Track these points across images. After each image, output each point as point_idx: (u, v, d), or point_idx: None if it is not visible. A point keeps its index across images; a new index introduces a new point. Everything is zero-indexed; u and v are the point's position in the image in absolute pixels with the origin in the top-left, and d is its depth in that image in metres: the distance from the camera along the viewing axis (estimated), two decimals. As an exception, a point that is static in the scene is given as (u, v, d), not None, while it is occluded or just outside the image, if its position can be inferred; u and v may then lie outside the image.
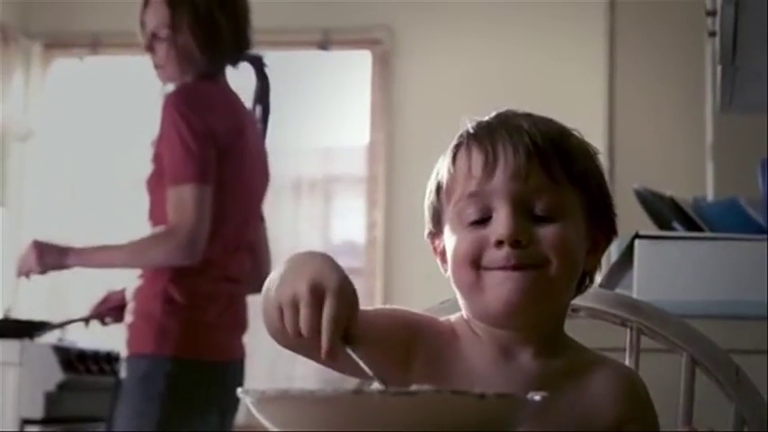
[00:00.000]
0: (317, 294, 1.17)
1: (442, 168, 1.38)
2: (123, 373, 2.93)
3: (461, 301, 1.37)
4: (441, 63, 5.56)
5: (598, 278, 1.46)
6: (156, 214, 2.96)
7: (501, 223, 1.30)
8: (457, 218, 1.34)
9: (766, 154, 2.55)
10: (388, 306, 1.40)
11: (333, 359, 1.17)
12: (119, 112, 5.76)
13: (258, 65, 3.19)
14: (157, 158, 2.97)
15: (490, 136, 1.34)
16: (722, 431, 1.53)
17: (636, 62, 5.31)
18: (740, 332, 2.07)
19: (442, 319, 1.41)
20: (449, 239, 1.35)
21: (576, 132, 1.39)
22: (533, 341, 1.35)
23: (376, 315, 1.34)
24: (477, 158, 1.33)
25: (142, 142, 5.82)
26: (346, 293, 1.18)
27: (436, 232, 1.39)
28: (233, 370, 3.04)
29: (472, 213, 1.32)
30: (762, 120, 3.04)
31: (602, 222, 1.38)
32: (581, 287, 1.40)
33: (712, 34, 2.57)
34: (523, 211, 1.31)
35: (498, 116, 1.38)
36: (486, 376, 1.32)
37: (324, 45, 5.66)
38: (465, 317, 1.37)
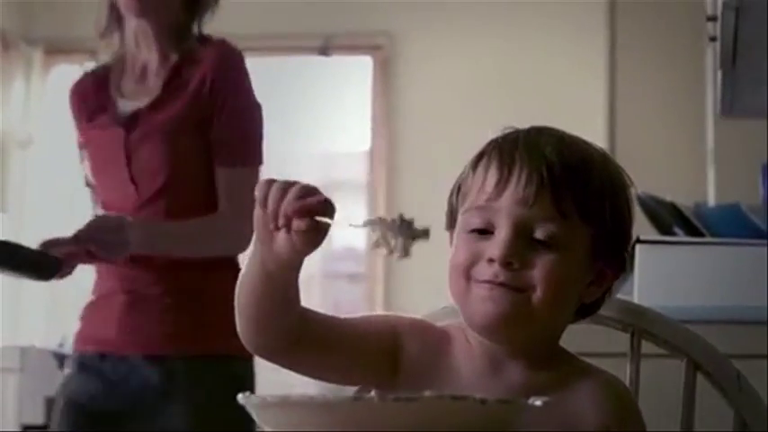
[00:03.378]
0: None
1: (466, 171, 1.40)
2: (184, 376, 2.60)
3: (459, 309, 1.38)
4: (441, 68, 5.57)
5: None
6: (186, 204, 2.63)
7: (498, 244, 1.32)
8: (463, 224, 1.37)
9: (767, 159, 2.55)
10: (374, 313, 1.42)
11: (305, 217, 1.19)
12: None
13: None
14: (200, 132, 2.63)
15: (510, 154, 1.35)
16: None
17: (637, 67, 5.31)
18: (741, 337, 2.06)
19: (441, 324, 1.42)
20: (454, 242, 1.38)
21: (608, 162, 1.39)
22: (523, 355, 1.37)
23: (360, 322, 1.37)
24: (492, 175, 1.35)
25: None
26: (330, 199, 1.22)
27: (452, 227, 1.41)
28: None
29: (476, 223, 1.35)
30: (763, 124, 3.04)
31: (611, 257, 1.39)
32: (586, 313, 1.41)
33: (713, 39, 2.57)
34: (523, 235, 1.33)
35: (529, 132, 1.38)
36: (473, 386, 1.34)
37: (324, 51, 5.66)
38: (464, 325, 1.39)
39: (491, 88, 5.35)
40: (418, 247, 1.40)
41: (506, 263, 1.31)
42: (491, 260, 1.32)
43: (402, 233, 1.19)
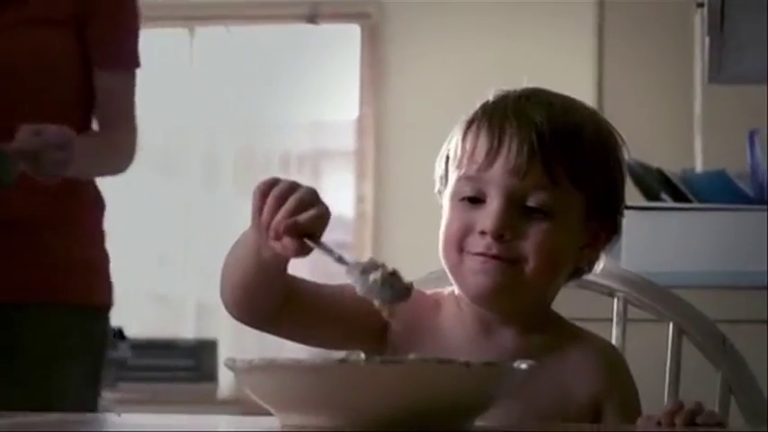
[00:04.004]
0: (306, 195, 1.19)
1: (454, 138, 1.39)
2: (38, 325, 2.25)
3: (451, 278, 1.38)
4: (430, 36, 5.55)
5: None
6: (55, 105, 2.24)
7: (489, 215, 1.32)
8: (454, 193, 1.36)
9: (754, 125, 2.55)
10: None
11: (295, 249, 1.18)
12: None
13: None
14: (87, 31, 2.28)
15: (500, 122, 1.34)
16: (709, 401, 1.54)
17: (624, 33, 5.30)
18: (727, 302, 2.07)
19: (431, 292, 1.42)
20: (445, 210, 1.38)
21: (600, 122, 1.39)
22: (516, 320, 1.38)
23: (348, 290, 1.36)
24: (483, 144, 1.34)
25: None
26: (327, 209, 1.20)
27: (444, 191, 1.41)
28: None
29: (467, 192, 1.34)
30: (750, 91, 3.04)
31: (605, 220, 1.39)
32: (578, 274, 1.41)
33: (700, 5, 2.57)
34: (515, 206, 1.32)
35: (518, 98, 1.37)
36: (465, 351, 1.34)
37: (312, 19, 5.64)
38: (456, 292, 1.38)
39: (479, 56, 5.33)
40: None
41: (498, 235, 1.31)
42: (483, 232, 1.32)
43: (384, 291, 1.17)
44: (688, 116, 4.46)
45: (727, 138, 3.30)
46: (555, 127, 1.33)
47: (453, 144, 1.39)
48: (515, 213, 1.32)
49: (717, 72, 2.78)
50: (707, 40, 2.58)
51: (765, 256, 2.14)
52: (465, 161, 1.35)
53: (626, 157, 1.41)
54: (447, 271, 1.37)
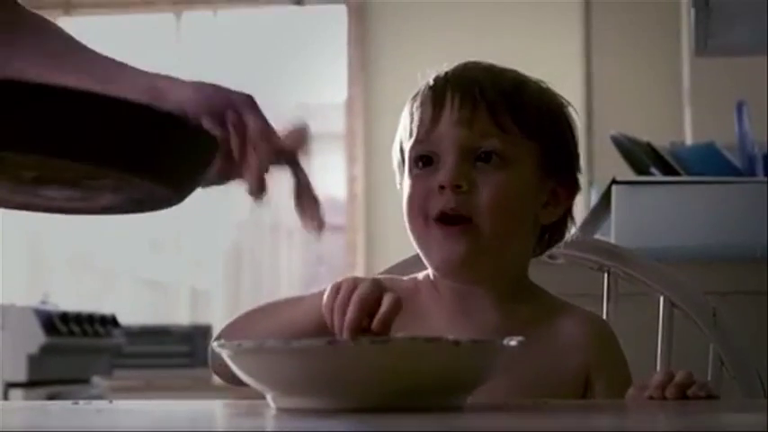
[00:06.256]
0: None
1: (403, 121, 1.41)
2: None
3: (420, 253, 1.38)
4: (417, 16, 5.54)
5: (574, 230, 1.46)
6: None
7: (443, 169, 1.34)
8: (409, 161, 1.38)
9: (742, 97, 2.55)
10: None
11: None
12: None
13: None
14: None
15: (442, 86, 1.37)
16: (700, 373, 1.54)
17: (612, 7, 5.29)
18: (717, 274, 2.07)
19: (407, 277, 1.43)
20: (404, 187, 1.39)
21: (543, 85, 1.41)
22: (493, 291, 1.38)
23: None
24: (427, 108, 1.37)
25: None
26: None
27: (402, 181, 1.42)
28: None
29: (420, 152, 1.36)
30: (737, 62, 3.04)
31: (563, 177, 1.39)
32: (550, 241, 1.41)
33: (686, -23, 2.55)
34: (468, 157, 1.34)
35: (457, 68, 1.41)
36: (445, 330, 1.34)
37: (298, 0, 5.62)
38: (431, 275, 1.39)
39: (467, 33, 5.32)
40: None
41: (455, 186, 1.32)
42: (441, 187, 1.33)
43: None
44: (676, 89, 4.45)
45: (715, 110, 3.30)
46: (497, 80, 1.37)
47: (402, 123, 1.40)
48: (470, 164, 1.34)
49: (704, 44, 2.77)
50: (693, 12, 2.58)
51: (755, 228, 2.14)
52: (414, 129, 1.37)
53: (575, 117, 1.43)
54: (415, 245, 1.38)
